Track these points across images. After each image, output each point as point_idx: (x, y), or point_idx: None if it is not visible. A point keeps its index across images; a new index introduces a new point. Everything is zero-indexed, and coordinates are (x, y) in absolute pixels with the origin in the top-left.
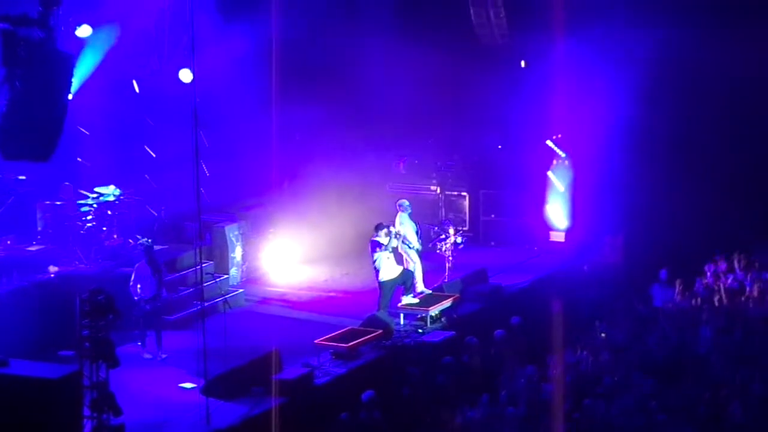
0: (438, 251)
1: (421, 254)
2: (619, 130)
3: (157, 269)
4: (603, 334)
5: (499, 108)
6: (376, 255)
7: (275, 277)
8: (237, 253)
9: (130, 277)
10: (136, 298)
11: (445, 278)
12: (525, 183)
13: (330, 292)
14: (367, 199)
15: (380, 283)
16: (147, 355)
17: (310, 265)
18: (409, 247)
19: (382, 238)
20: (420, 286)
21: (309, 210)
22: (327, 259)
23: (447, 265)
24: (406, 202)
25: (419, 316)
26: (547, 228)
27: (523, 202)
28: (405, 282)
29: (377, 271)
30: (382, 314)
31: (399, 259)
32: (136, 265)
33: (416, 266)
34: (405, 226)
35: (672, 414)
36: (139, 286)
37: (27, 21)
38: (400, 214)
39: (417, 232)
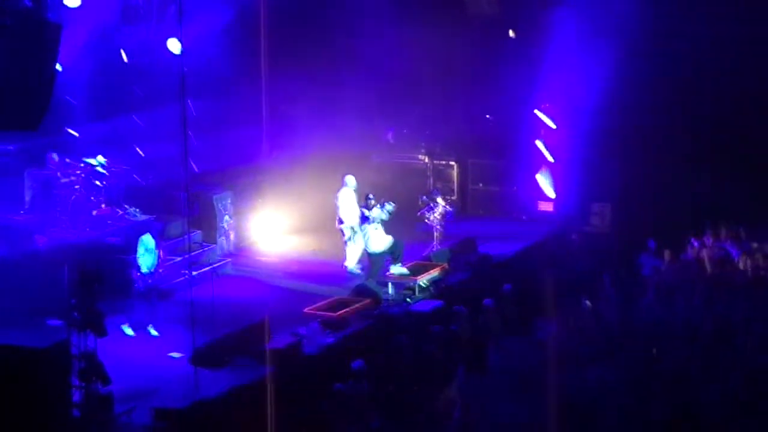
0: (426, 221)
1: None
2: (608, 100)
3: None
4: (588, 302)
5: (488, 78)
6: (363, 226)
7: (263, 247)
8: (225, 223)
9: (137, 248)
10: (142, 272)
11: (433, 247)
12: (514, 153)
13: (318, 261)
14: (353, 169)
15: (369, 254)
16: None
17: (298, 235)
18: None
19: (368, 211)
20: (350, 263)
21: (296, 180)
22: (315, 229)
23: (435, 234)
24: (352, 179)
25: (407, 285)
26: (536, 197)
27: (512, 172)
28: (394, 252)
29: (366, 242)
30: (371, 283)
31: (388, 229)
32: (141, 237)
33: (352, 245)
34: (345, 202)
35: (659, 384)
36: (146, 257)
37: None
38: (343, 189)
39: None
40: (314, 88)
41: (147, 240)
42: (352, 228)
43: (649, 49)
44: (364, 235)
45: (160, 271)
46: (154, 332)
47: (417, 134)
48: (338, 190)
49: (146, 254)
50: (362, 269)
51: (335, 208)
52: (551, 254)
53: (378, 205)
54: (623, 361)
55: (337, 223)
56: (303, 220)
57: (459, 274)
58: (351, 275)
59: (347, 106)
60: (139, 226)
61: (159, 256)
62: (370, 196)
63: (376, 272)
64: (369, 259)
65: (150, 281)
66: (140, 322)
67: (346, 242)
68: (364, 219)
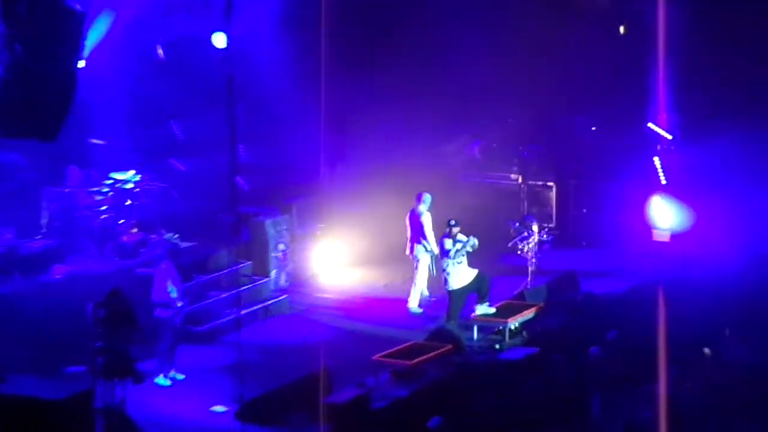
0: (519, 252)
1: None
2: (737, 110)
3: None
4: (709, 351)
5: (594, 82)
6: (444, 261)
7: (325, 281)
8: (279, 252)
9: (153, 281)
10: (162, 308)
11: (527, 284)
12: (623, 172)
13: (390, 299)
14: (435, 190)
15: (449, 292)
16: (166, 380)
17: (366, 267)
18: (426, 250)
19: (450, 242)
20: (413, 302)
21: (365, 202)
22: (387, 261)
23: (530, 268)
24: (428, 198)
25: (496, 329)
26: (650, 226)
27: (621, 195)
28: (480, 289)
29: (445, 278)
30: (452, 326)
31: (473, 261)
32: (161, 265)
33: (420, 276)
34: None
35: None
36: (171, 290)
37: None
38: (420, 208)
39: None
40: (385, 95)
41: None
42: (431, 254)
43: None
44: (444, 270)
45: (179, 305)
46: (167, 380)
47: (509, 149)
48: (413, 210)
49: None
50: (426, 307)
51: (406, 232)
52: (669, 294)
53: (457, 241)
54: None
55: (408, 250)
56: (372, 250)
57: (557, 316)
58: (418, 316)
59: (425, 116)
60: (177, 255)
61: (179, 288)
62: (453, 222)
63: (457, 313)
64: (449, 298)
65: (178, 319)
66: (178, 368)
67: (415, 275)
68: (444, 252)
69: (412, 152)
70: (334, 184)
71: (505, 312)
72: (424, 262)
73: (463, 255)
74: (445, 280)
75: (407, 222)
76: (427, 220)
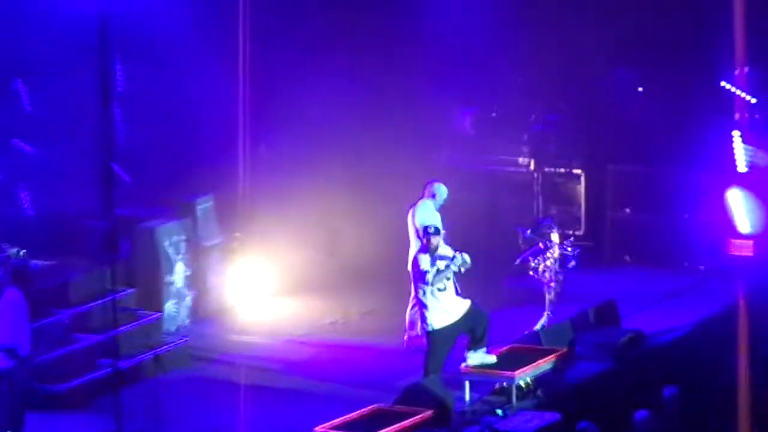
0: (531, 273)
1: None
2: None
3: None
4: None
5: (642, 21)
6: (420, 288)
7: (245, 317)
8: (178, 275)
9: None
10: (2, 357)
11: (544, 319)
12: (685, 154)
13: (342, 344)
14: (408, 180)
15: (427, 333)
16: None
17: (306, 296)
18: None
19: (424, 261)
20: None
21: (302, 201)
22: (336, 288)
23: (547, 296)
24: (443, 188)
25: (497, 386)
26: (725, 233)
27: (683, 188)
28: (474, 328)
29: (422, 313)
30: (432, 383)
31: (463, 287)
32: (2, 294)
33: (431, 301)
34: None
35: None
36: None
37: None
38: (423, 201)
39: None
40: (332, 45)
41: None
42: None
43: None
44: (420, 301)
45: (27, 352)
46: None
47: (515, 121)
48: (415, 205)
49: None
50: None
51: (409, 236)
52: (753, 331)
53: (439, 258)
54: None
55: (410, 264)
56: (314, 272)
57: (589, 365)
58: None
59: (390, 75)
60: (24, 279)
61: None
62: (431, 229)
63: (439, 363)
64: (428, 342)
65: (19, 373)
66: None
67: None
68: (419, 275)
69: (374, 127)
70: (257, 174)
71: (510, 361)
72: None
73: (447, 278)
74: (422, 317)
75: (409, 222)
76: (436, 218)
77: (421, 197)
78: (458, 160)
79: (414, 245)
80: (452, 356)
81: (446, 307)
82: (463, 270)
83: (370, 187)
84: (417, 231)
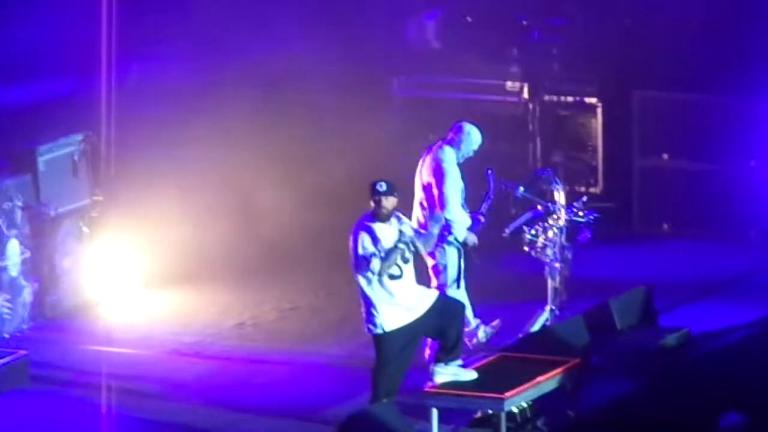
0: (526, 248)
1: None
2: None
3: None
4: None
5: None
6: (362, 276)
7: (110, 319)
8: (11, 259)
9: None
10: None
11: (546, 316)
12: (747, 76)
13: (249, 353)
14: (346, 123)
15: (374, 337)
16: None
17: (199, 289)
18: (453, 244)
19: (366, 239)
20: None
21: (195, 157)
22: (244, 276)
23: (550, 282)
24: (474, 132)
25: (479, 413)
26: None
27: (747, 124)
28: (442, 330)
29: (367, 310)
30: (384, 410)
31: (423, 275)
32: None
33: (379, 293)
34: (450, 185)
35: None
36: None
37: None
38: (442, 149)
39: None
40: None
41: None
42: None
43: None
44: (364, 295)
45: None
46: None
47: (501, 29)
48: (432, 154)
49: None
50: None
51: (422, 197)
52: None
53: (398, 220)
54: None
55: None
56: (217, 251)
57: (611, 384)
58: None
59: None
60: None
61: None
62: (382, 187)
63: (395, 381)
64: (376, 349)
65: None
66: None
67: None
68: (361, 261)
69: (296, 47)
70: (125, 114)
71: (497, 378)
72: (450, 259)
73: (405, 260)
74: (367, 315)
75: (417, 180)
76: (451, 175)
77: (443, 141)
78: (417, 89)
79: (417, 211)
80: (413, 372)
81: (402, 301)
82: (424, 249)
83: (294, 133)
84: (423, 188)
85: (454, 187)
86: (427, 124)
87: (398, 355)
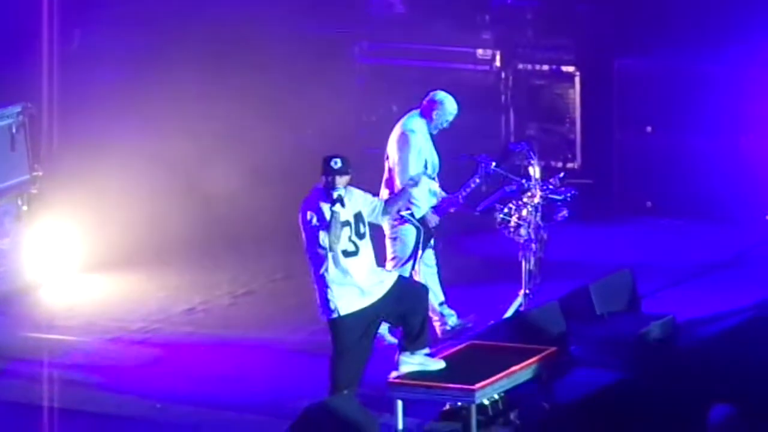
0: (499, 227)
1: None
2: None
3: None
4: None
5: None
6: (313, 258)
7: (49, 303)
8: None
9: None
10: None
11: (520, 301)
12: (743, 36)
13: (199, 340)
14: (306, 90)
15: (331, 323)
16: None
17: (144, 271)
18: (411, 221)
19: (314, 219)
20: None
21: (143, 126)
22: (194, 257)
23: (524, 265)
24: (448, 101)
25: (447, 405)
26: None
27: (742, 92)
28: (405, 315)
29: (322, 292)
30: (345, 402)
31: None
32: None
33: (333, 273)
34: (411, 161)
35: None
36: None
37: None
38: (412, 118)
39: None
40: None
41: None
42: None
43: None
44: (320, 277)
45: None
46: None
47: None
48: (401, 123)
49: None
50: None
51: (389, 174)
52: None
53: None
54: None
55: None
56: (165, 230)
57: (591, 374)
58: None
59: None
60: None
61: None
62: (337, 163)
63: (356, 370)
64: (334, 337)
65: None
66: None
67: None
68: (310, 236)
69: (252, 8)
70: (68, 79)
71: (468, 368)
72: (405, 235)
73: (360, 235)
74: (321, 298)
75: (388, 151)
76: (413, 143)
77: (414, 110)
78: (381, 56)
79: (383, 189)
80: (375, 360)
81: (359, 282)
82: (386, 220)
83: (248, 104)
84: (391, 167)
85: (416, 157)
86: (390, 94)
87: (357, 343)
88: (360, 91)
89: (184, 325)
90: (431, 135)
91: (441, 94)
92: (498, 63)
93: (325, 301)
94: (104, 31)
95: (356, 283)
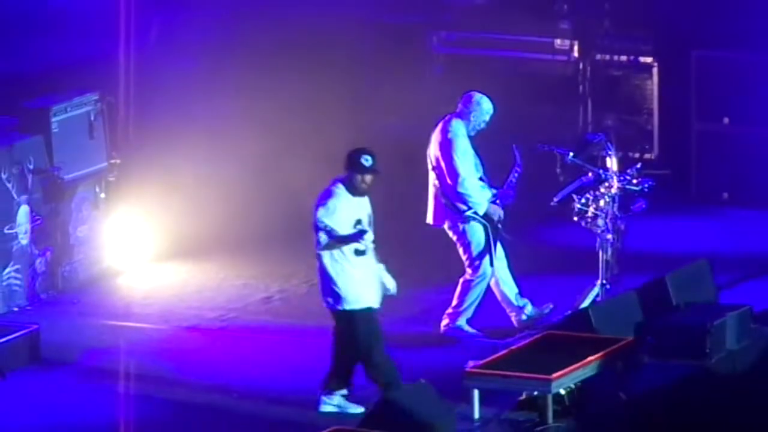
0: (576, 218)
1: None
2: None
3: None
4: None
5: None
6: (323, 252)
7: (127, 292)
8: (21, 226)
9: None
10: None
11: (597, 291)
12: None
13: (277, 328)
14: (383, 75)
15: (346, 314)
16: None
17: (222, 260)
18: (476, 219)
19: (327, 213)
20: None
21: (221, 116)
22: (272, 247)
23: (601, 255)
24: (484, 102)
25: (524, 395)
26: None
27: None
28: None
29: (332, 287)
30: (421, 392)
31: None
32: None
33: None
34: (461, 154)
35: None
36: None
37: None
38: (452, 121)
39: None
40: None
41: None
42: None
43: None
44: (324, 270)
45: None
46: None
47: None
48: (441, 127)
49: None
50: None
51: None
52: None
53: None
54: None
55: (430, 215)
56: (243, 220)
57: (667, 363)
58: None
59: None
60: None
61: None
62: (367, 161)
63: (384, 351)
64: (349, 330)
65: None
66: None
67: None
68: (318, 231)
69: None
70: (145, 70)
71: (544, 358)
72: (474, 234)
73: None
74: (332, 293)
75: (429, 154)
76: (459, 146)
77: (452, 115)
78: (459, 45)
79: (431, 192)
80: (453, 350)
81: (368, 279)
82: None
83: (323, 94)
84: (434, 167)
85: (464, 159)
86: (467, 84)
87: (371, 334)
88: (437, 80)
89: (261, 314)
90: (470, 137)
91: (477, 95)
92: (576, 53)
93: (333, 295)
94: (182, 21)
95: (367, 280)
